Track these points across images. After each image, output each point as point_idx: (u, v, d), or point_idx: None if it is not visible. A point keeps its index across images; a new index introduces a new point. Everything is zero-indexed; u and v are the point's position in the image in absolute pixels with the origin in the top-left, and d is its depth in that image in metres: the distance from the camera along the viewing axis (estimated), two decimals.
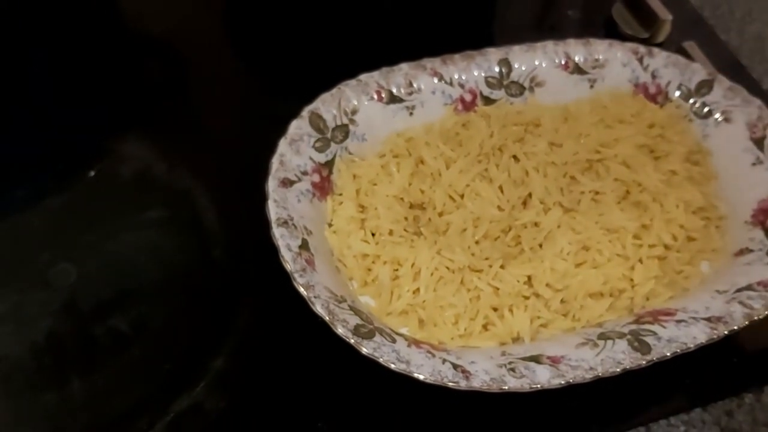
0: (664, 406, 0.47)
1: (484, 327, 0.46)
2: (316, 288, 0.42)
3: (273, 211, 0.45)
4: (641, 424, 0.46)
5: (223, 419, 0.43)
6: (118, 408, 0.43)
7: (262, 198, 0.46)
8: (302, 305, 0.42)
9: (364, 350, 0.40)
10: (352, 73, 0.54)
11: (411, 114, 0.54)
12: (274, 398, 0.45)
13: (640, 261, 0.49)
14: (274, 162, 0.48)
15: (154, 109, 0.60)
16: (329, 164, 0.51)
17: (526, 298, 0.46)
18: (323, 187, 0.50)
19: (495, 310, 0.46)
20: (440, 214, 0.49)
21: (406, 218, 0.48)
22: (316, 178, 0.49)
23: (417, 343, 0.43)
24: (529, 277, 0.47)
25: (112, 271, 0.48)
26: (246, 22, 0.70)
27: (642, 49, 0.59)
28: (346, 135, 0.52)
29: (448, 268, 0.46)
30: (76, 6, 0.67)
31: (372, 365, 0.41)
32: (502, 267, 0.47)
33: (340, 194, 0.50)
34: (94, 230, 0.50)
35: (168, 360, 0.45)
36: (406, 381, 0.40)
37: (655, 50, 0.59)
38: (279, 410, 0.45)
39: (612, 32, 0.69)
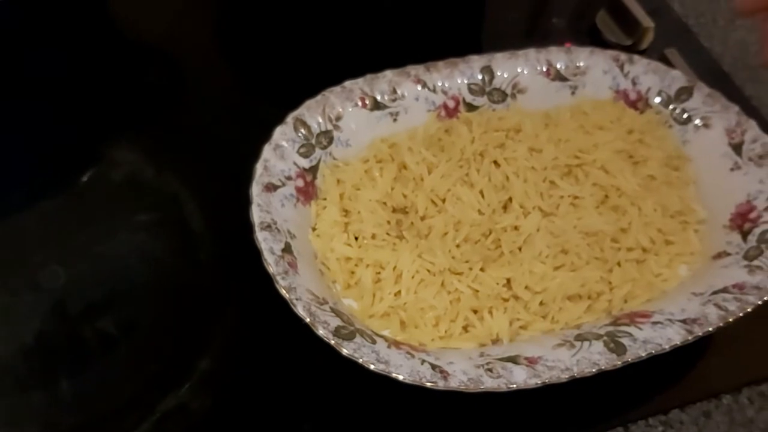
0: (643, 406, 0.48)
1: (464, 329, 0.47)
2: (298, 290, 0.43)
3: (256, 216, 0.46)
4: (620, 424, 0.47)
5: (209, 419, 0.44)
6: (106, 408, 0.44)
7: (247, 202, 0.47)
8: (286, 307, 0.43)
9: (345, 351, 0.41)
10: (337, 79, 0.54)
11: (395, 120, 0.55)
12: (259, 398, 0.46)
13: (618, 264, 0.50)
14: (258, 167, 0.49)
15: (144, 114, 0.61)
16: (313, 169, 0.52)
17: (506, 300, 0.47)
18: (307, 192, 0.51)
19: (475, 312, 0.47)
20: (422, 218, 0.50)
21: (388, 222, 0.49)
22: (300, 182, 0.50)
23: (397, 344, 0.44)
24: (509, 280, 0.48)
25: (101, 273, 0.49)
26: (234, 29, 0.71)
27: (623, 56, 0.60)
28: (331, 141, 0.53)
29: (429, 270, 0.47)
30: (66, 10, 0.67)
31: (354, 366, 0.42)
32: (482, 270, 0.47)
33: (324, 199, 0.51)
34: (84, 233, 0.51)
35: (154, 361, 0.46)
36: (387, 381, 0.41)
37: (636, 57, 0.60)
38: (264, 410, 0.46)
39: (596, 40, 0.70)
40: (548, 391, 0.43)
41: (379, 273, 0.48)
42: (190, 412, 0.44)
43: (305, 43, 0.68)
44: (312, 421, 0.45)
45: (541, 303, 0.48)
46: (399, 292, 0.47)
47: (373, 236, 0.49)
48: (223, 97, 0.62)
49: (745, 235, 0.51)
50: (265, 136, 0.51)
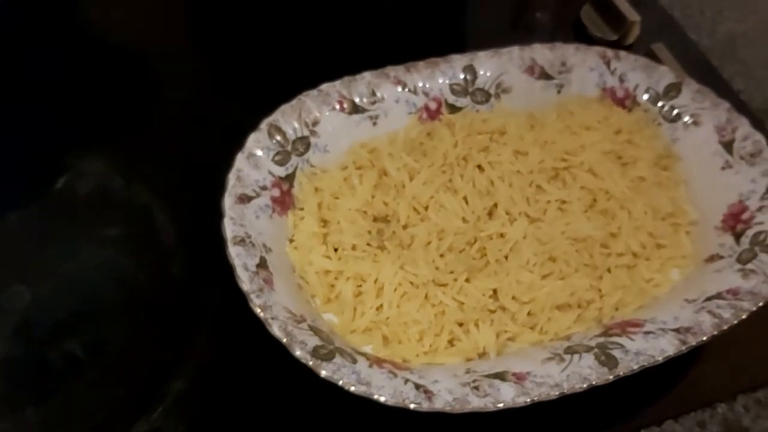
0: (635, 418, 0.47)
1: (450, 342, 0.45)
2: (273, 308, 0.41)
3: (229, 229, 0.44)
4: None
5: None
6: None
7: (220, 214, 0.45)
8: (262, 325, 0.41)
9: (323, 373, 0.39)
10: (313, 82, 0.52)
11: (374, 124, 0.53)
12: (235, 422, 0.44)
13: (609, 270, 0.48)
14: (231, 177, 0.46)
15: (112, 121, 0.59)
16: (290, 178, 0.49)
17: (492, 311, 0.46)
18: (284, 202, 0.48)
19: (460, 325, 0.45)
20: (404, 227, 0.48)
21: (369, 232, 0.47)
22: (276, 192, 0.48)
23: (379, 362, 0.42)
24: (495, 290, 0.46)
25: (68, 292, 0.47)
26: (206, 32, 0.69)
27: (609, 52, 0.58)
28: (308, 147, 0.51)
29: (412, 283, 0.45)
30: (34, 18, 0.65)
31: (335, 386, 0.40)
32: (467, 280, 0.46)
33: (302, 209, 0.49)
34: (49, 250, 0.49)
35: (125, 384, 0.44)
36: (370, 401, 0.39)
37: (623, 54, 0.58)
38: None
39: (581, 35, 0.68)
40: (536, 406, 0.41)
41: (360, 286, 0.46)
42: None
43: (280, 45, 0.66)
44: None
45: (529, 313, 0.46)
46: (381, 306, 0.45)
47: (354, 247, 0.47)
48: (197, 103, 0.60)
49: (738, 237, 0.49)
50: (240, 142, 0.49)
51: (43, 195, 0.53)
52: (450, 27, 0.70)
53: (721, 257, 0.49)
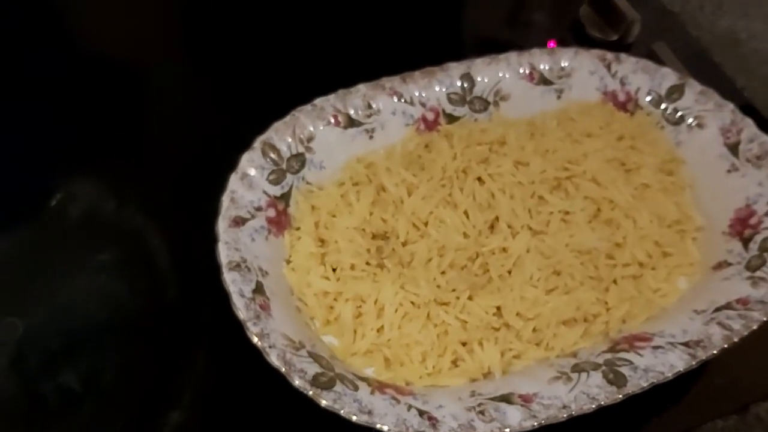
0: None
1: (454, 363, 0.44)
2: (271, 336, 0.40)
3: (224, 254, 0.43)
4: None
5: None
6: None
7: (215, 239, 0.44)
8: (261, 352, 0.40)
9: (324, 402, 0.38)
10: (306, 97, 0.51)
11: (371, 137, 0.52)
12: None
13: (615, 282, 0.47)
14: (225, 200, 0.45)
15: (102, 145, 0.57)
16: (285, 197, 0.48)
17: (496, 329, 0.45)
18: (280, 222, 0.47)
19: (464, 344, 0.44)
20: (404, 244, 0.47)
21: (368, 250, 0.46)
22: (272, 212, 0.47)
23: (381, 387, 0.41)
24: (499, 308, 0.45)
25: (61, 322, 0.46)
26: (198, 50, 0.67)
27: (609, 55, 0.57)
28: (303, 164, 0.49)
29: (413, 303, 0.44)
30: (20, 35, 0.64)
31: (336, 414, 0.39)
32: (469, 298, 0.45)
33: (298, 228, 0.48)
34: (41, 279, 0.47)
35: (121, 416, 0.42)
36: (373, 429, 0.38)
37: (623, 56, 0.57)
38: None
39: (580, 35, 0.67)
40: None
41: (359, 307, 0.45)
42: None
43: (272, 61, 0.65)
44: None
45: (534, 330, 0.45)
46: (382, 327, 0.44)
47: (352, 267, 0.46)
48: (189, 123, 0.58)
49: (746, 243, 0.48)
50: (233, 162, 0.48)
51: (33, 221, 0.51)
52: (445, 31, 0.68)
53: (730, 264, 0.48)
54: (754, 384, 0.48)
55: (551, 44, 0.62)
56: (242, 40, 0.67)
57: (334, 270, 0.46)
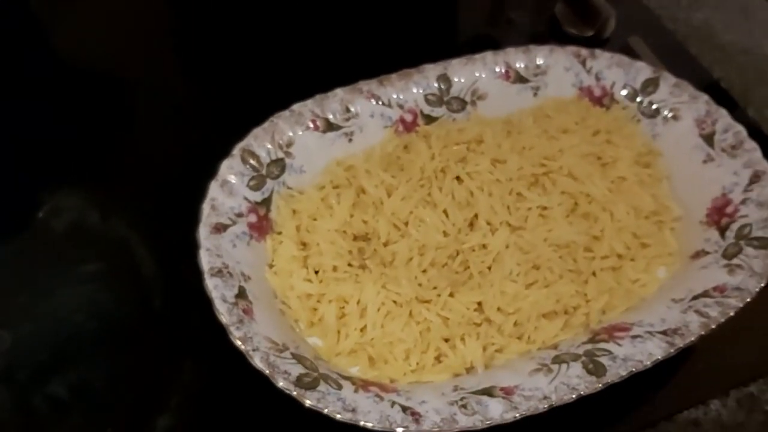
0: (628, 421, 0.46)
1: (437, 359, 0.44)
2: (254, 339, 0.40)
3: (205, 261, 0.43)
4: None
5: None
6: None
7: (197, 245, 0.45)
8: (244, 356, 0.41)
9: (308, 402, 0.38)
10: (284, 103, 0.52)
11: (350, 140, 0.53)
12: None
13: (594, 274, 0.48)
14: (205, 207, 0.46)
15: (85, 156, 0.58)
16: (266, 202, 0.49)
17: (478, 325, 0.45)
18: (261, 227, 0.48)
19: (446, 340, 0.45)
20: (385, 245, 0.47)
21: (350, 252, 0.47)
22: (253, 218, 0.48)
23: (365, 385, 0.41)
24: (480, 303, 0.45)
25: (48, 333, 0.46)
26: (174, 65, 0.68)
27: (584, 51, 0.57)
28: (283, 169, 0.50)
29: (395, 302, 0.45)
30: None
31: (322, 414, 0.39)
32: (451, 295, 0.45)
33: (280, 232, 0.48)
34: (28, 290, 0.48)
35: (110, 423, 0.43)
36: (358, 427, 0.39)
37: (598, 51, 0.57)
38: None
39: (556, 32, 0.68)
40: None
41: (343, 308, 0.45)
42: None
43: (250, 68, 0.65)
44: None
45: (515, 324, 0.45)
46: (365, 327, 0.44)
47: (335, 269, 0.46)
48: (170, 131, 0.59)
49: (722, 232, 0.49)
50: (215, 170, 0.48)
51: (18, 233, 0.52)
52: (422, 35, 0.69)
53: (707, 253, 0.48)
54: (735, 370, 0.48)
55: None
56: (219, 49, 0.67)
57: (316, 272, 0.47)
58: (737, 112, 0.54)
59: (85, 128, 0.60)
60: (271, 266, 0.47)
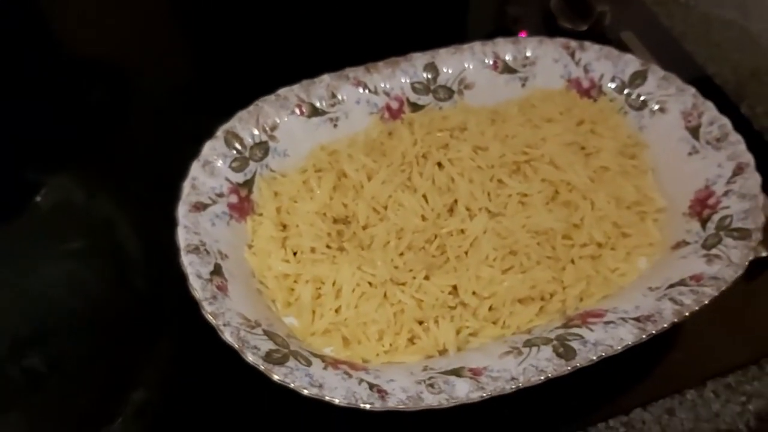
0: (602, 408, 0.46)
1: (410, 341, 0.45)
2: (226, 315, 0.41)
3: (182, 238, 0.44)
4: (578, 428, 0.45)
5: None
6: None
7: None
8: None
9: (275, 377, 0.39)
10: (271, 89, 0.52)
11: (335, 126, 0.53)
12: (194, 430, 0.44)
13: (572, 262, 0.48)
14: (186, 186, 0.47)
15: (73, 135, 0.59)
16: (248, 184, 0.50)
17: (453, 308, 0.45)
18: (242, 208, 0.49)
19: (420, 323, 0.45)
20: (364, 228, 0.48)
21: (329, 234, 0.47)
22: (234, 199, 0.48)
23: (336, 363, 0.42)
24: (455, 287, 0.46)
25: (29, 307, 0.47)
26: (161, 48, 0.68)
27: (573, 43, 0.58)
28: (266, 152, 0.51)
29: (370, 283, 0.45)
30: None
31: (293, 390, 0.40)
32: (426, 278, 0.46)
33: (261, 214, 0.49)
34: (10, 265, 0.49)
35: (85, 396, 0.44)
36: (328, 404, 0.39)
37: (587, 44, 0.58)
38: None
39: (551, 27, 0.68)
40: (500, 397, 0.40)
41: (319, 288, 0.46)
42: None
43: (238, 52, 0.66)
44: None
45: (490, 308, 0.46)
46: (339, 307, 0.45)
47: (313, 250, 0.47)
48: (157, 113, 0.60)
49: (704, 223, 0.49)
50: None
51: (4, 211, 0.53)
52: (413, 25, 0.69)
53: (688, 243, 0.48)
54: (712, 360, 0.48)
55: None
56: (209, 32, 0.68)
57: (294, 254, 0.47)
58: (726, 107, 0.53)
59: (75, 111, 0.61)
60: (250, 246, 0.47)
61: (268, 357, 0.40)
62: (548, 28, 0.68)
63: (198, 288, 0.42)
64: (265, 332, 0.41)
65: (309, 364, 0.40)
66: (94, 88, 0.62)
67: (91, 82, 0.63)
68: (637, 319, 0.43)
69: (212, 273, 0.43)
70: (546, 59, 0.57)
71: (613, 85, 0.57)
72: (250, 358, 0.39)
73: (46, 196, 0.52)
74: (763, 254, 0.51)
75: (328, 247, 0.47)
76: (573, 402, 0.45)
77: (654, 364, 0.48)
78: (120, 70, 0.64)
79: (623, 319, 0.43)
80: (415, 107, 0.55)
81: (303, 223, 0.47)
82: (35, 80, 0.63)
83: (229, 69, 0.63)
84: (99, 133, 0.59)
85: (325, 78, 0.53)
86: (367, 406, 0.39)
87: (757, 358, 0.48)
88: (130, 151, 0.57)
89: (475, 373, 0.41)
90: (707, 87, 0.55)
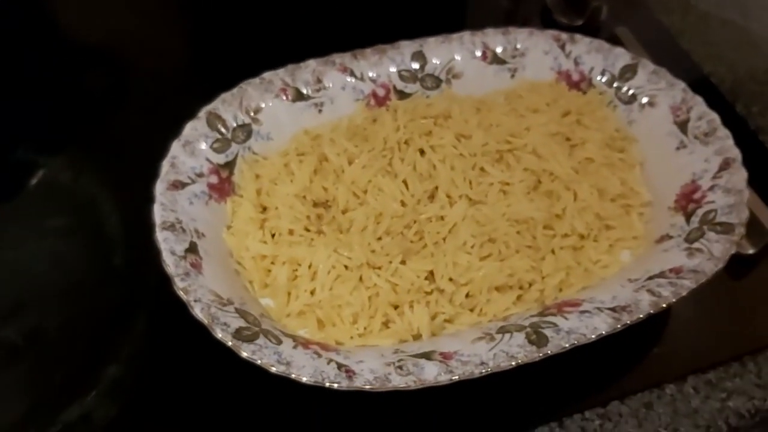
0: (579, 399, 0.46)
1: (385, 324, 0.45)
2: (198, 291, 0.41)
3: (158, 215, 0.44)
4: (553, 419, 0.45)
5: (113, 428, 0.43)
6: (2, 422, 0.42)
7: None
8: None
9: (244, 354, 0.39)
10: (257, 71, 0.52)
11: (320, 111, 0.53)
12: (166, 406, 0.44)
13: (553, 252, 0.47)
14: (165, 165, 0.47)
15: (59, 115, 0.59)
16: (230, 165, 0.50)
17: (428, 293, 0.45)
18: (222, 189, 0.49)
19: (396, 307, 0.45)
20: (344, 212, 0.48)
21: (308, 217, 0.47)
22: (214, 179, 0.48)
23: (307, 344, 0.42)
24: (431, 272, 0.45)
25: (9, 281, 0.48)
26: (148, 30, 0.69)
27: (564, 35, 0.57)
28: (249, 134, 0.51)
29: (345, 266, 0.45)
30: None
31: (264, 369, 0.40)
32: (402, 263, 0.45)
33: (241, 195, 0.49)
34: None
35: (59, 369, 0.44)
36: (298, 383, 0.39)
37: (578, 36, 0.57)
38: (171, 418, 0.44)
39: (547, 21, 0.68)
40: (474, 386, 0.40)
41: (295, 270, 0.46)
42: (94, 422, 0.42)
43: (224, 36, 0.66)
44: (221, 428, 0.43)
45: (467, 295, 0.45)
46: (315, 289, 0.45)
47: (291, 232, 0.47)
48: (147, 93, 0.60)
49: (688, 217, 0.48)
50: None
51: None
52: (404, 13, 0.69)
53: (671, 237, 0.48)
54: (693, 356, 0.48)
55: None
56: (193, 14, 0.68)
57: (273, 236, 0.47)
58: (720, 105, 0.53)
59: (62, 89, 0.61)
60: (229, 227, 0.47)
61: (237, 334, 0.40)
62: (544, 22, 0.68)
63: (171, 264, 0.42)
64: (237, 310, 0.41)
65: (279, 342, 0.40)
66: (82, 70, 0.62)
67: (79, 65, 0.63)
68: (613, 309, 0.43)
69: (187, 251, 0.43)
70: (536, 51, 0.57)
71: (603, 79, 0.56)
72: (219, 334, 0.39)
73: (31, 174, 0.52)
74: (750, 251, 0.51)
75: (307, 230, 0.47)
76: (549, 392, 0.45)
77: (634, 358, 0.47)
78: (105, 53, 0.65)
79: (599, 308, 0.43)
80: (402, 95, 0.55)
81: (282, 206, 0.47)
82: (23, 64, 0.63)
83: (215, 52, 0.64)
84: (89, 116, 0.59)
85: (311, 63, 0.53)
86: (335, 386, 0.38)
87: (739, 355, 0.48)
88: (116, 131, 0.57)
89: (446, 357, 0.41)
90: (702, 85, 0.55)
